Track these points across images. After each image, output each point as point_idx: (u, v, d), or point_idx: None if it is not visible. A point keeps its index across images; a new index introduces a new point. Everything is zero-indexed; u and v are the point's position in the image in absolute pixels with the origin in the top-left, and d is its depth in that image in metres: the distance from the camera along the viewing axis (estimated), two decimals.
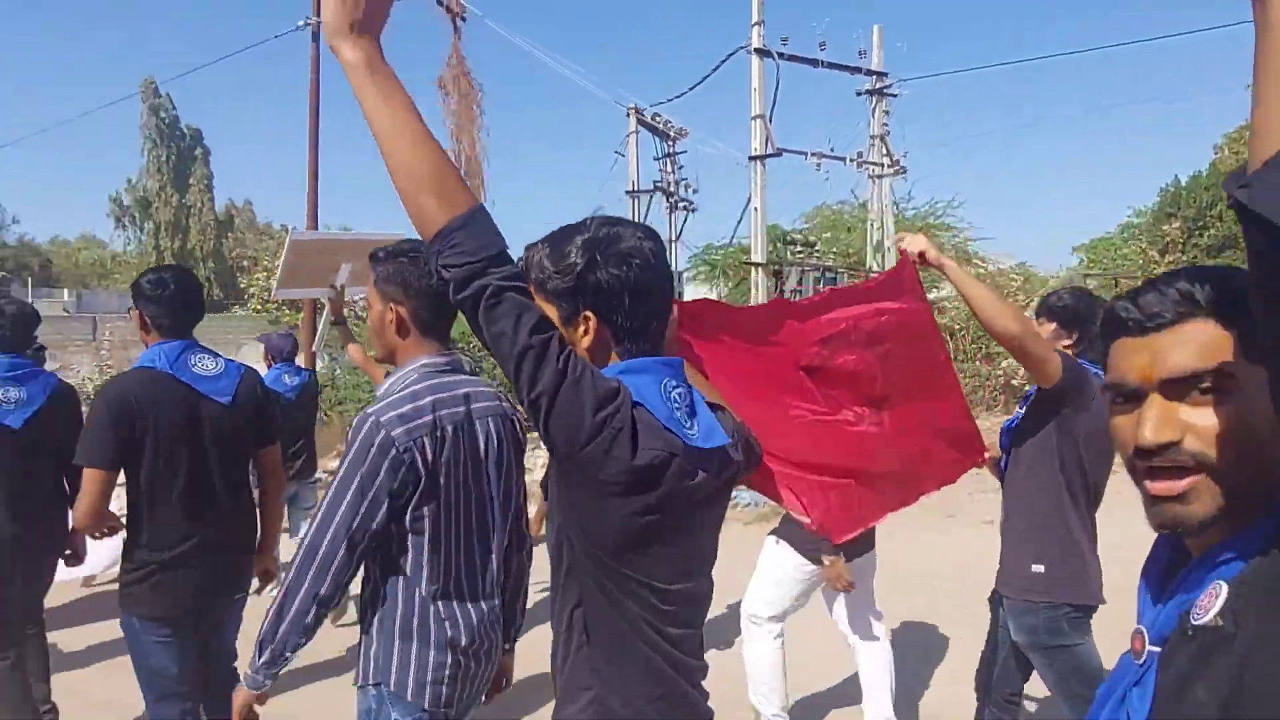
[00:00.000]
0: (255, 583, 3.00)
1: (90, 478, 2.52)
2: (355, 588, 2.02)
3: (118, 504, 2.67)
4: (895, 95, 14.54)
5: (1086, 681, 2.50)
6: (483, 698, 2.10)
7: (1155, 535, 0.94)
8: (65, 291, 30.18)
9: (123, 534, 2.72)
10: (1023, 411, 2.71)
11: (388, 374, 2.00)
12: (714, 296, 15.05)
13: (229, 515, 2.76)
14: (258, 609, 2.13)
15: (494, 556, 1.99)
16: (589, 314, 1.34)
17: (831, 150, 13.83)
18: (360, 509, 1.75)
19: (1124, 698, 0.90)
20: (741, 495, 7.45)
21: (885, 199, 14.64)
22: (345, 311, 5.06)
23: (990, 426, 8.26)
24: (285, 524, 5.13)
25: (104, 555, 3.83)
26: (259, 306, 23.44)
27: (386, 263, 1.94)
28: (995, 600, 2.81)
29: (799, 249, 16.76)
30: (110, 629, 3.77)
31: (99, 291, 31.61)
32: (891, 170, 14.36)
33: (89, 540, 3.04)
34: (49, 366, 12.94)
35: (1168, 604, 0.88)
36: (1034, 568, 2.57)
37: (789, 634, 3.56)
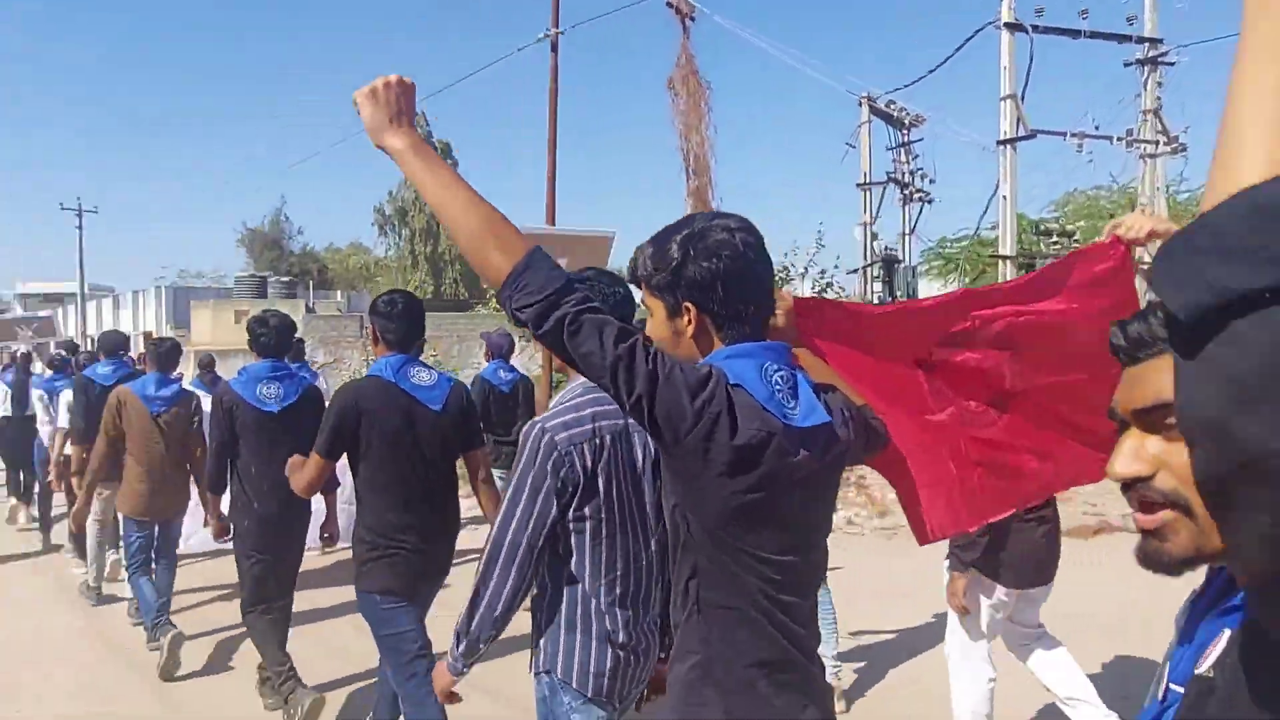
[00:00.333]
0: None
1: (313, 461, 3.00)
2: None
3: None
4: (1172, 64, 12.87)
5: None
6: (635, 704, 2.21)
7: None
8: (339, 293, 33.99)
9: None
10: None
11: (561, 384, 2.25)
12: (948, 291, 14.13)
13: (438, 508, 3.13)
14: None
15: (649, 561, 2.09)
16: (689, 305, 1.45)
17: (1096, 129, 12.48)
18: (535, 508, 1.92)
19: None
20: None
21: (1158, 180, 13.01)
22: None
23: None
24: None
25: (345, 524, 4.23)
26: (499, 304, 24.82)
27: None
28: None
29: (1054, 240, 15.32)
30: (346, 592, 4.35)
31: (365, 293, 35.37)
32: (1168, 148, 12.72)
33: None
34: (326, 360, 14.04)
35: (1191, 645, 0.88)
36: None
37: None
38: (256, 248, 46.70)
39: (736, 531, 1.41)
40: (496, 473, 5.99)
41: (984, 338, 1.93)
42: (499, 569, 1.94)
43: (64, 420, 6.24)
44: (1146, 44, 12.49)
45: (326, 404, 3.31)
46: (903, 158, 18.55)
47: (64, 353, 9.11)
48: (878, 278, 17.90)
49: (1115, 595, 4.91)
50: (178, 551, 5.28)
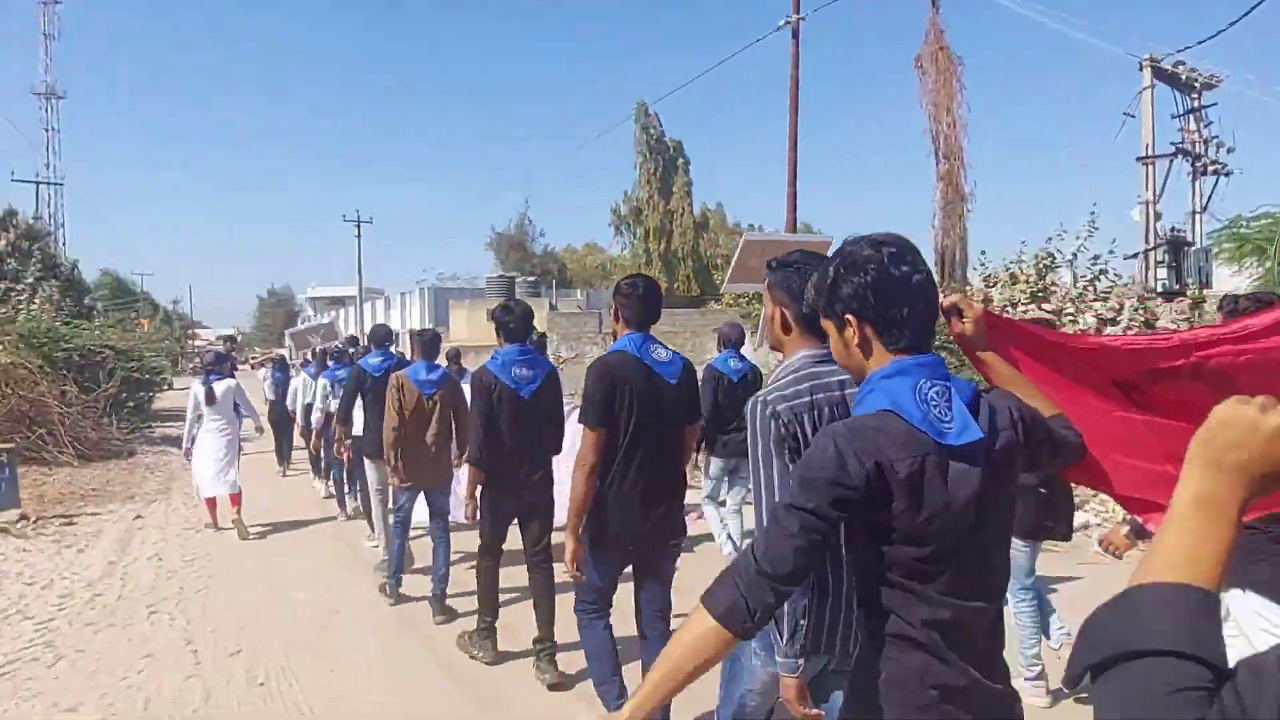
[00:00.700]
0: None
1: (587, 436, 3.26)
2: None
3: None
4: None
5: None
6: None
7: None
8: (578, 291, 35.58)
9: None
10: None
11: (777, 364, 2.30)
12: (1242, 278, 12.13)
13: (669, 471, 3.43)
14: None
15: None
16: (849, 316, 1.58)
17: None
18: (780, 468, 2.01)
19: None
20: None
21: None
22: None
23: None
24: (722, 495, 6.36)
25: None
26: (731, 300, 24.78)
27: (777, 271, 2.25)
28: None
29: None
30: None
31: (602, 290, 36.74)
32: None
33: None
34: (568, 355, 15.44)
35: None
36: None
37: None
38: (503, 250, 50.08)
39: (906, 552, 1.48)
40: (718, 461, 6.16)
41: (1199, 374, 1.84)
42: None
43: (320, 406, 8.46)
44: None
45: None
46: (1192, 126, 16.22)
47: (344, 346, 10.48)
48: (1161, 263, 15.80)
49: None
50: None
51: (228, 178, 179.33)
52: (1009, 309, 11.76)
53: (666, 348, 3.46)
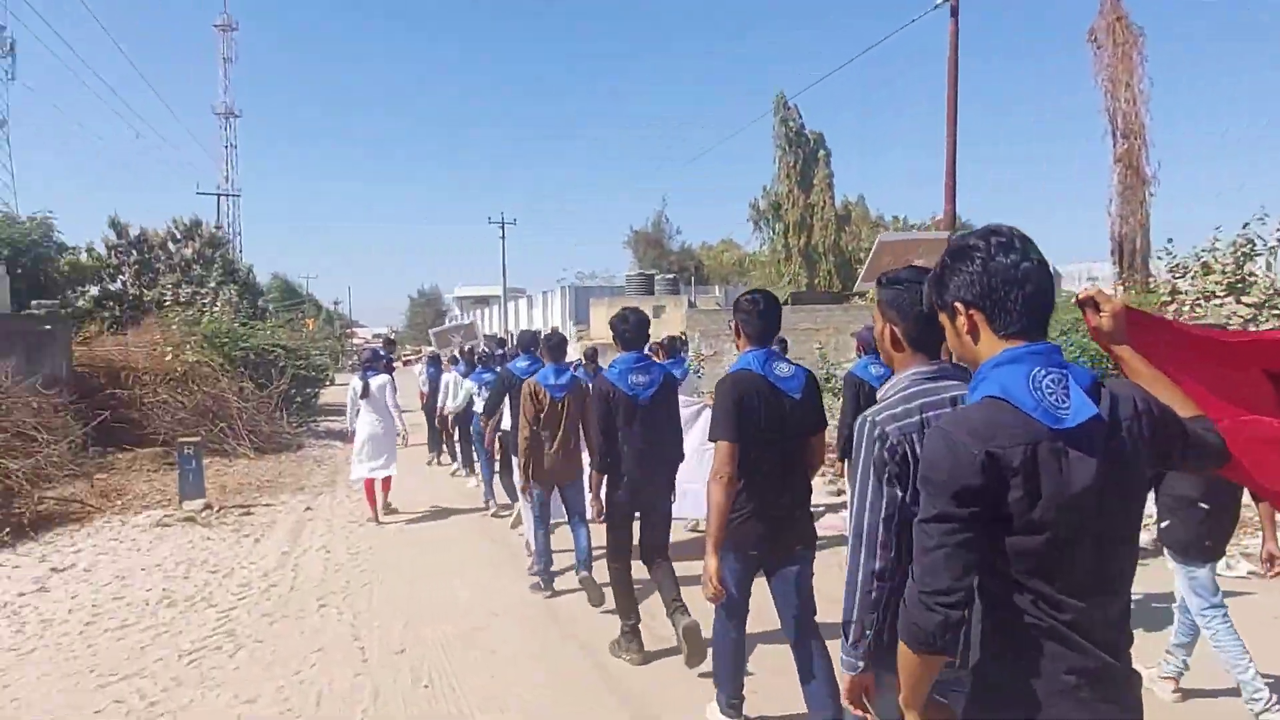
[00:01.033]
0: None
1: (720, 449, 3.32)
2: None
3: None
4: None
5: None
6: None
7: None
8: (716, 288, 35.27)
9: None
10: None
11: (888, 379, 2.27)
12: None
13: (794, 482, 3.47)
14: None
15: None
16: (959, 305, 1.62)
17: None
18: (882, 493, 2.03)
19: None
20: None
21: None
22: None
23: None
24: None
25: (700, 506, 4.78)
26: (875, 296, 23.74)
27: (887, 289, 2.25)
28: None
29: None
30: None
31: (739, 286, 36.29)
32: None
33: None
34: (707, 353, 15.48)
35: None
36: None
37: None
38: (640, 248, 50.46)
39: (1023, 543, 1.47)
40: None
41: None
42: (864, 554, 2.09)
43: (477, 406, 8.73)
44: None
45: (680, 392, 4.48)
46: None
47: (490, 349, 11.11)
48: None
49: None
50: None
51: (382, 186, 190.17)
52: (1201, 302, 10.60)
53: (789, 362, 3.53)
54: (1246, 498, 3.85)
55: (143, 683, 4.47)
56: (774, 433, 3.36)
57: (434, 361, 13.44)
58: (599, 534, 5.71)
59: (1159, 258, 11.63)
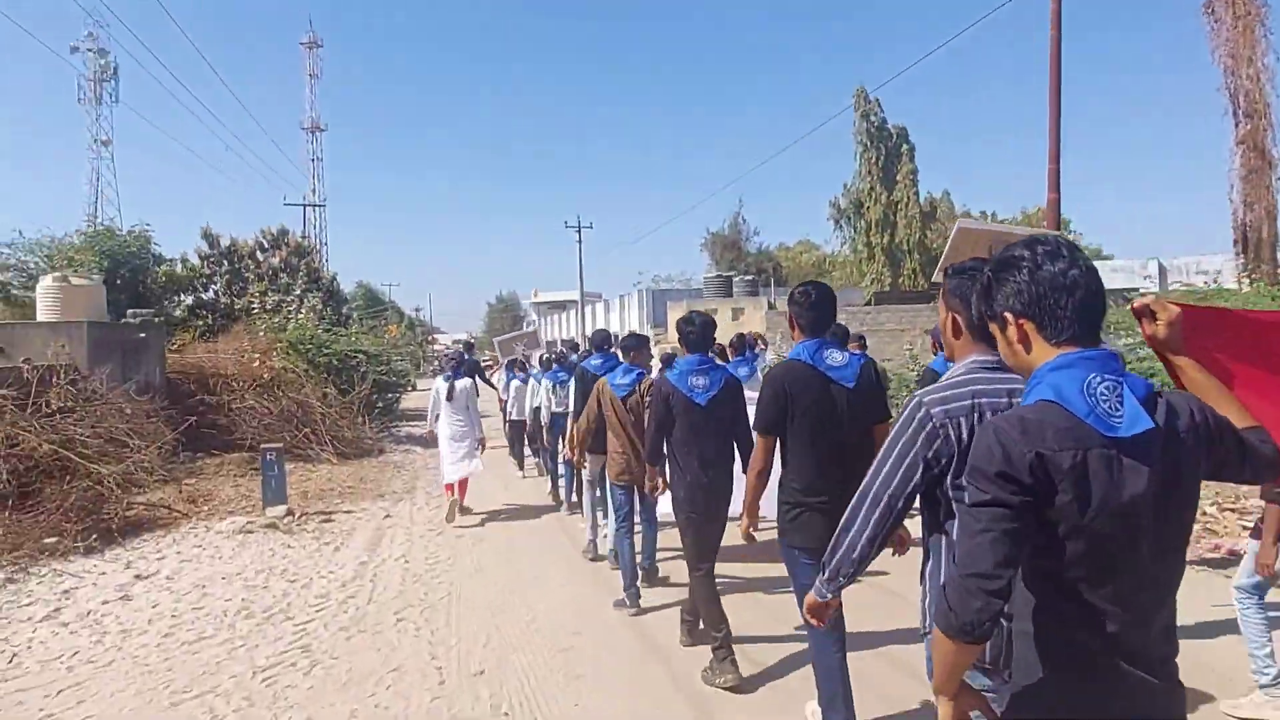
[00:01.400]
0: None
1: (757, 441, 3.46)
2: None
3: None
4: None
5: None
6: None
7: None
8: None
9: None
10: None
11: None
12: None
13: (851, 474, 3.12)
14: None
15: None
16: (1008, 315, 1.62)
17: None
18: (900, 470, 2.10)
19: None
20: None
21: None
22: None
23: None
24: None
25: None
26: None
27: (953, 278, 2.28)
28: None
29: None
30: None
31: None
32: None
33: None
34: (772, 357, 15.10)
35: None
36: None
37: None
38: (717, 250, 49.91)
39: (1070, 548, 1.45)
40: None
41: None
42: (860, 516, 2.18)
43: (557, 405, 8.89)
44: None
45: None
46: None
47: (566, 351, 11.66)
48: None
49: None
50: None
51: (461, 193, 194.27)
52: None
53: (844, 351, 3.48)
54: (1257, 500, 3.86)
55: (215, 701, 4.28)
56: (826, 422, 3.36)
57: (514, 366, 13.29)
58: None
59: None
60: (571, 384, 8.26)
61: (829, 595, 2.37)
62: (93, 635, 5.26)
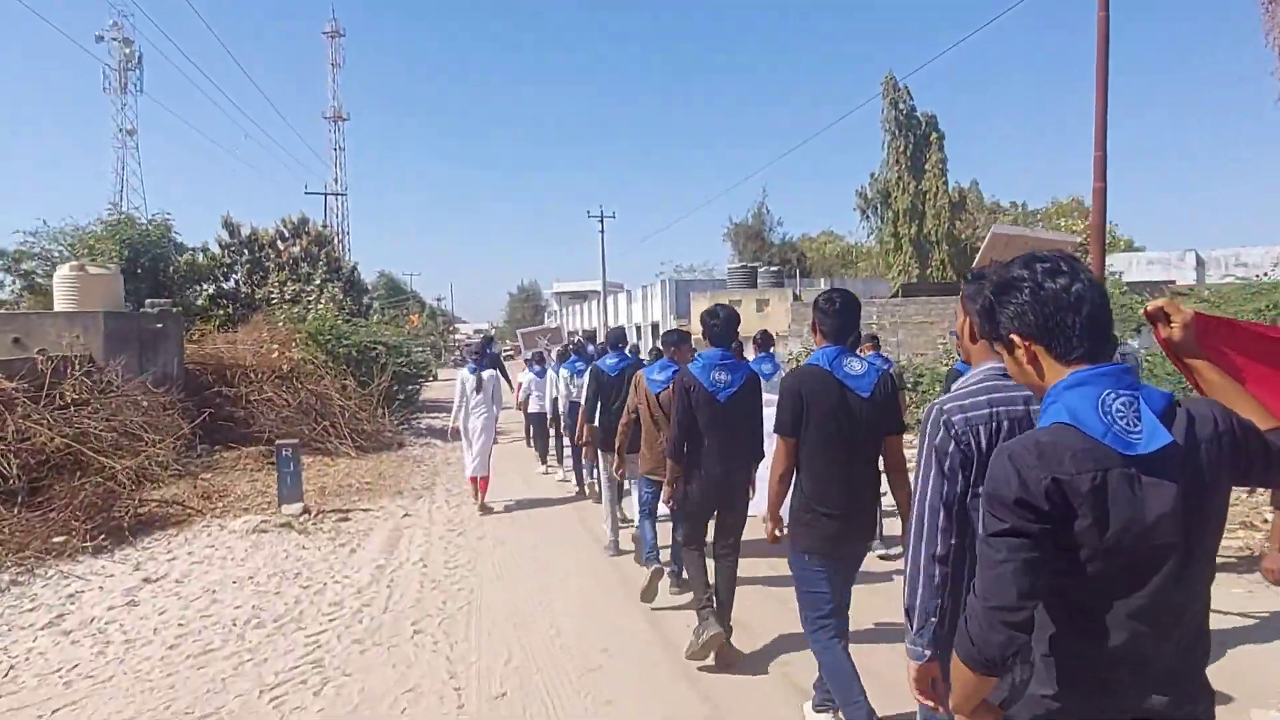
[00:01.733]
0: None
1: (779, 444, 3.45)
2: None
3: None
4: None
5: None
6: None
7: None
8: (822, 281, 33.90)
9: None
10: None
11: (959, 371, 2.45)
12: None
13: (862, 482, 3.44)
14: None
15: None
16: (1014, 337, 1.58)
17: None
18: (943, 479, 2.09)
19: None
20: None
21: None
22: None
23: None
24: None
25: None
26: None
27: (972, 284, 2.26)
28: None
29: None
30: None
31: (846, 280, 34.83)
32: None
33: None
34: (799, 349, 15.27)
35: None
36: None
37: None
38: (740, 240, 49.31)
39: (1094, 569, 1.42)
40: None
41: None
42: (925, 539, 2.11)
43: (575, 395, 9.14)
44: None
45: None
46: None
47: (584, 340, 12.31)
48: None
49: None
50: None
51: (483, 183, 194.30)
52: None
53: (863, 360, 3.47)
54: (1267, 504, 3.53)
55: None
56: (839, 430, 3.37)
57: (536, 360, 12.97)
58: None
59: None
60: (586, 378, 8.58)
61: (926, 653, 2.11)
62: (95, 646, 4.98)
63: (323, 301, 19.80)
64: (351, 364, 15.52)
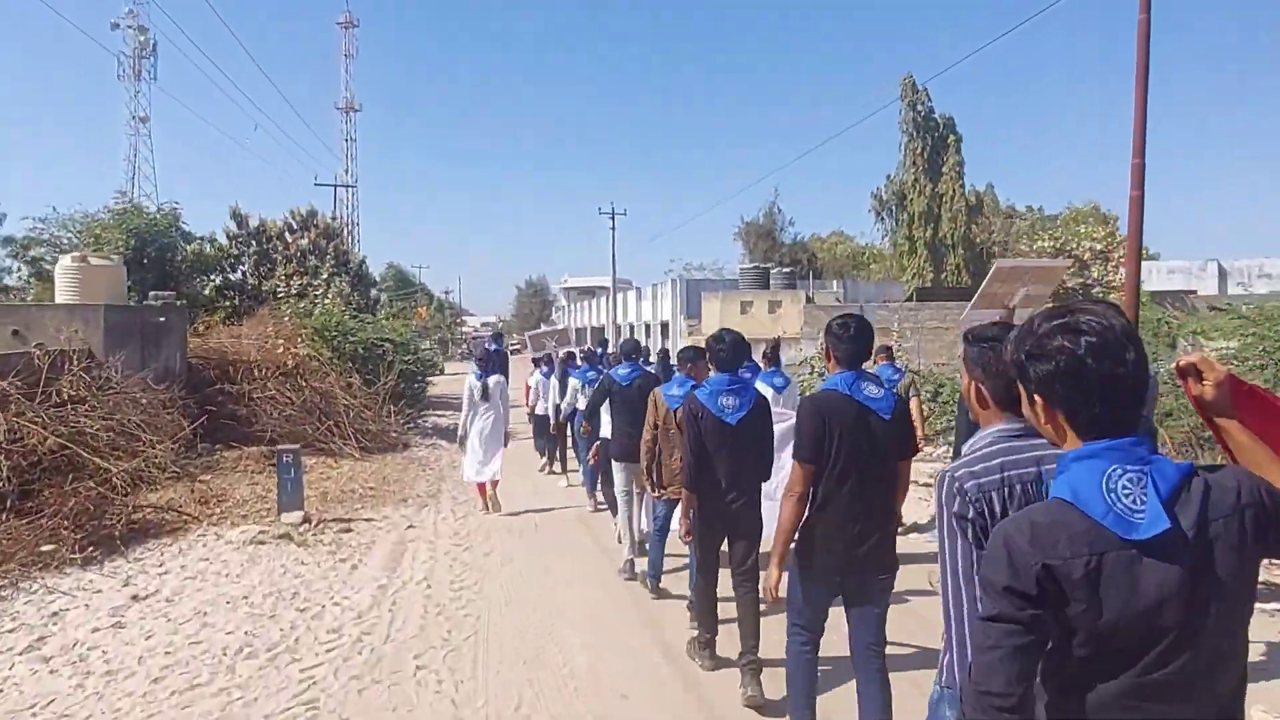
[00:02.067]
0: None
1: (796, 469, 3.40)
2: None
3: None
4: None
5: None
6: None
7: None
8: (834, 283, 33.49)
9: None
10: None
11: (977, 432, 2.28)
12: None
13: (878, 505, 3.44)
14: None
15: None
16: (1037, 398, 1.52)
17: None
18: (970, 547, 2.01)
19: None
20: None
21: None
22: None
23: None
24: None
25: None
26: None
27: (974, 345, 2.31)
28: None
29: None
30: None
31: (860, 283, 34.36)
32: None
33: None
34: (810, 353, 15.15)
35: None
36: None
37: None
38: (751, 239, 48.91)
39: (1091, 652, 1.40)
40: None
41: None
42: (963, 608, 2.03)
43: (581, 403, 8.92)
44: None
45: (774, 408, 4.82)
46: None
47: (595, 348, 12.09)
48: None
49: None
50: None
51: (494, 177, 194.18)
52: None
53: (880, 384, 3.48)
54: None
55: None
56: (859, 453, 3.35)
57: (545, 361, 12.61)
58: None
59: None
60: (572, 380, 8.77)
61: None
62: (75, 677, 4.64)
63: (330, 296, 19.48)
64: (358, 361, 15.20)
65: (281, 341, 14.52)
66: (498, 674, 4.76)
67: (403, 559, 7.15)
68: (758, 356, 7.91)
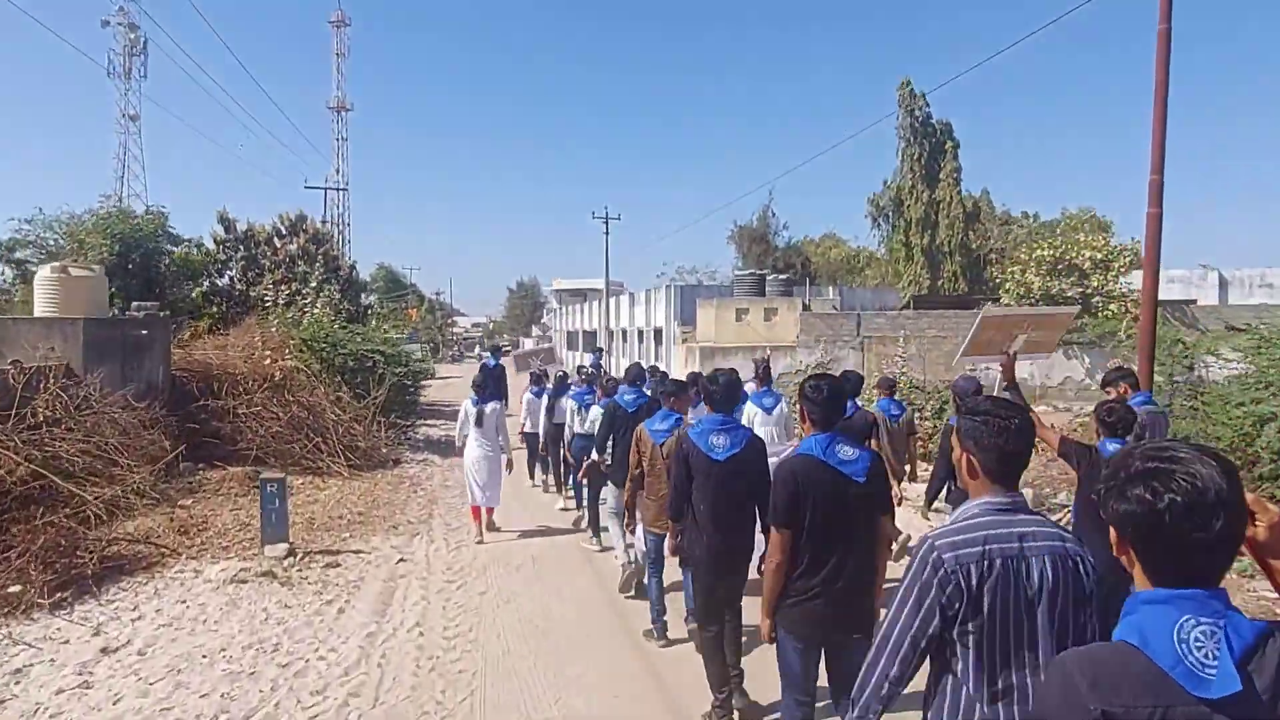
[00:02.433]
0: None
1: (774, 536, 3.46)
2: None
3: None
4: None
5: None
6: None
7: None
8: (830, 289, 33.16)
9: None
10: None
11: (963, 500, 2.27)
12: None
13: (858, 568, 3.44)
14: None
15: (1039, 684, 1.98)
16: (1114, 527, 1.46)
17: None
18: (919, 614, 2.07)
19: None
20: None
21: None
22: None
23: None
24: None
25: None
26: (1011, 303, 21.76)
27: (967, 419, 2.27)
28: None
29: None
30: None
31: (856, 289, 34.04)
32: None
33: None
34: (823, 358, 15.25)
35: None
36: None
37: None
38: (745, 243, 48.59)
39: None
40: None
41: None
42: (883, 658, 2.12)
43: (580, 427, 8.94)
44: None
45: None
46: None
47: (591, 369, 12.20)
48: None
49: None
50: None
51: (486, 179, 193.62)
52: None
53: (854, 445, 3.50)
54: None
55: None
56: (835, 517, 3.38)
57: (535, 380, 12.21)
58: None
59: None
60: (594, 410, 8.50)
61: None
62: None
63: (319, 304, 19.03)
64: (347, 374, 14.79)
65: (269, 353, 14.10)
66: None
67: (393, 599, 6.77)
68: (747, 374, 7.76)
